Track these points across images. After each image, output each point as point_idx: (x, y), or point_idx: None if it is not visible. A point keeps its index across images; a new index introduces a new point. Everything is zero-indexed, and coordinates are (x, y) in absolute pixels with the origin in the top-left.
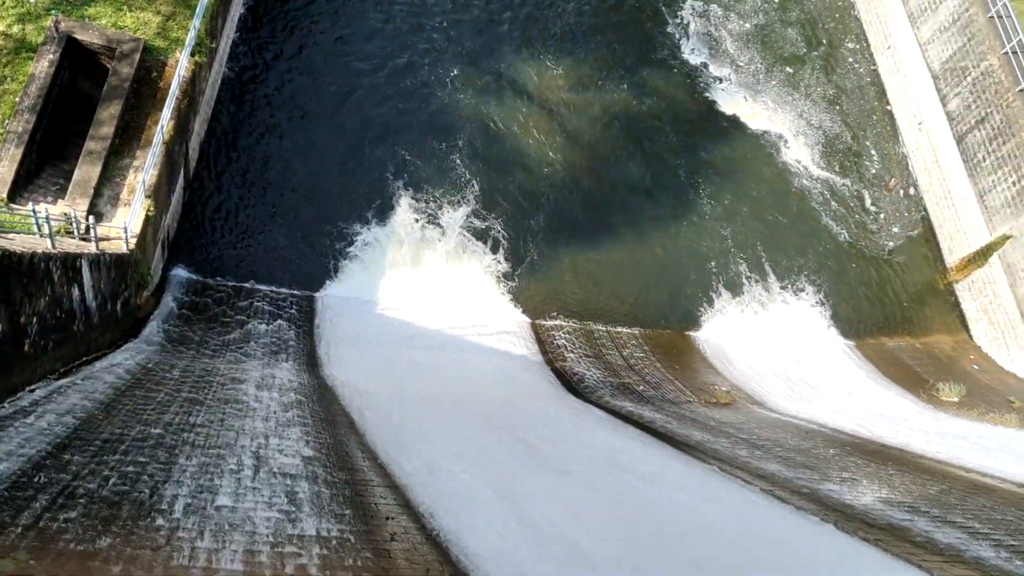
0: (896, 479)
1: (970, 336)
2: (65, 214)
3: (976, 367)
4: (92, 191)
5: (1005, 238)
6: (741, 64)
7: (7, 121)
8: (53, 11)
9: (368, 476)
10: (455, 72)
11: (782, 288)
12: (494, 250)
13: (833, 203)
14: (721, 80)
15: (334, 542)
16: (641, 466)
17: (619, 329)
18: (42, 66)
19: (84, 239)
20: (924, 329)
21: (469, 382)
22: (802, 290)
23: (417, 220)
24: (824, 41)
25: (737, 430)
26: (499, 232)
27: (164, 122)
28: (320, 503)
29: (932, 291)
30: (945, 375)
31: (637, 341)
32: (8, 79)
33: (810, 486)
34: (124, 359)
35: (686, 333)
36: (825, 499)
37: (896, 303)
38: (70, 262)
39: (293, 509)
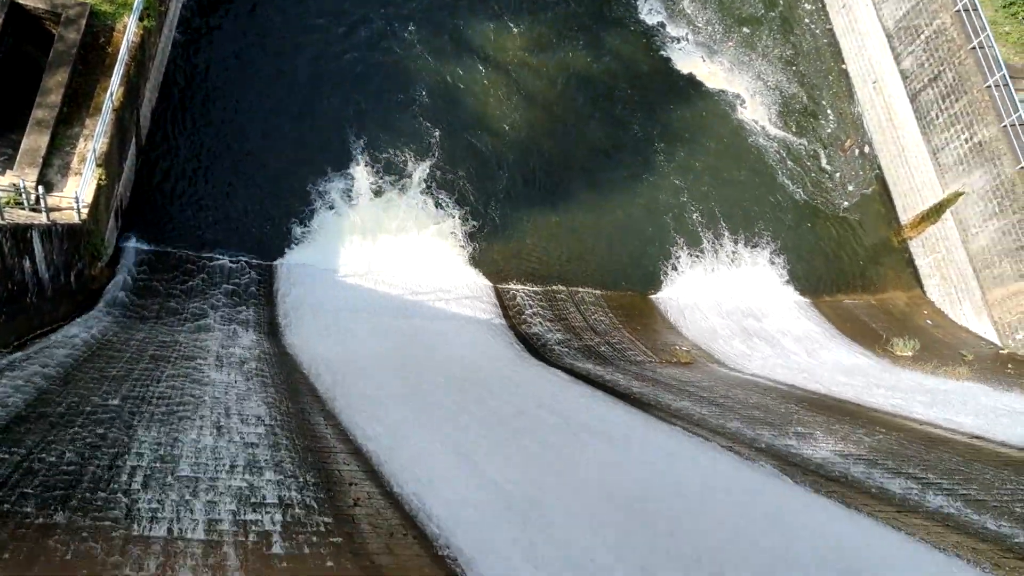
0: (852, 433)
1: (924, 292)
2: (14, 184)
3: (930, 322)
4: (41, 161)
5: (957, 195)
6: (699, 25)
7: None
8: None
9: (331, 443)
10: (411, 32)
11: (740, 248)
12: (454, 214)
13: (789, 162)
14: (679, 40)
15: (297, 509)
16: (602, 426)
17: (581, 291)
18: None
19: (34, 210)
20: (879, 286)
21: (431, 347)
22: (760, 249)
23: (375, 184)
24: (781, 2)
25: (698, 388)
26: (459, 195)
27: (113, 89)
28: (282, 470)
29: (887, 248)
30: (899, 330)
31: (599, 303)
32: None
33: (769, 442)
34: (80, 331)
35: (647, 294)
36: (784, 454)
37: (852, 260)
38: (20, 234)
39: (255, 477)
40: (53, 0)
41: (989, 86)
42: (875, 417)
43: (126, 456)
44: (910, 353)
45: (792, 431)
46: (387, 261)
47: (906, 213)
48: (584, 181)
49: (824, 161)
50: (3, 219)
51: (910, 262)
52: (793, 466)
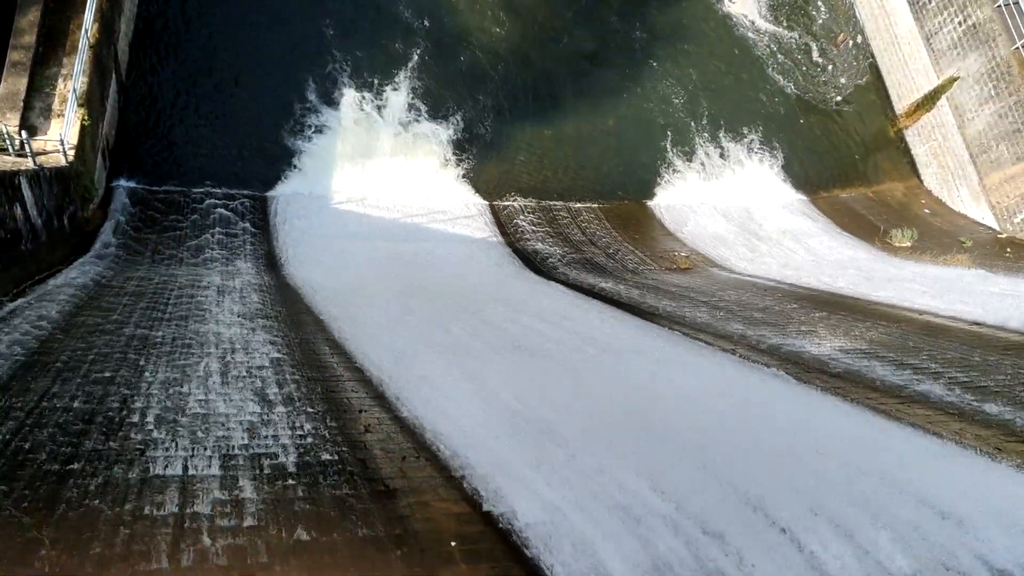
0: (853, 327)
1: (921, 181)
2: None
3: (927, 211)
4: (22, 104)
5: (952, 80)
6: None
7: None
8: None
9: (338, 371)
10: None
11: (735, 148)
12: (445, 133)
13: (781, 57)
14: None
15: (309, 439)
16: (605, 337)
17: (577, 204)
18: None
19: (20, 155)
20: (876, 178)
21: (430, 268)
22: (754, 149)
23: (363, 107)
24: None
25: (698, 293)
26: (448, 114)
27: (87, 25)
28: (292, 402)
29: (883, 139)
30: (898, 221)
31: (596, 215)
32: None
33: (770, 342)
34: (78, 275)
35: (643, 202)
36: (786, 353)
37: (848, 154)
38: (8, 180)
39: (265, 411)
40: None
41: None
42: (875, 310)
43: (136, 398)
44: (908, 244)
45: (793, 330)
46: (381, 185)
47: (901, 102)
48: (573, 90)
49: (816, 54)
50: None
51: (906, 152)
52: (795, 364)
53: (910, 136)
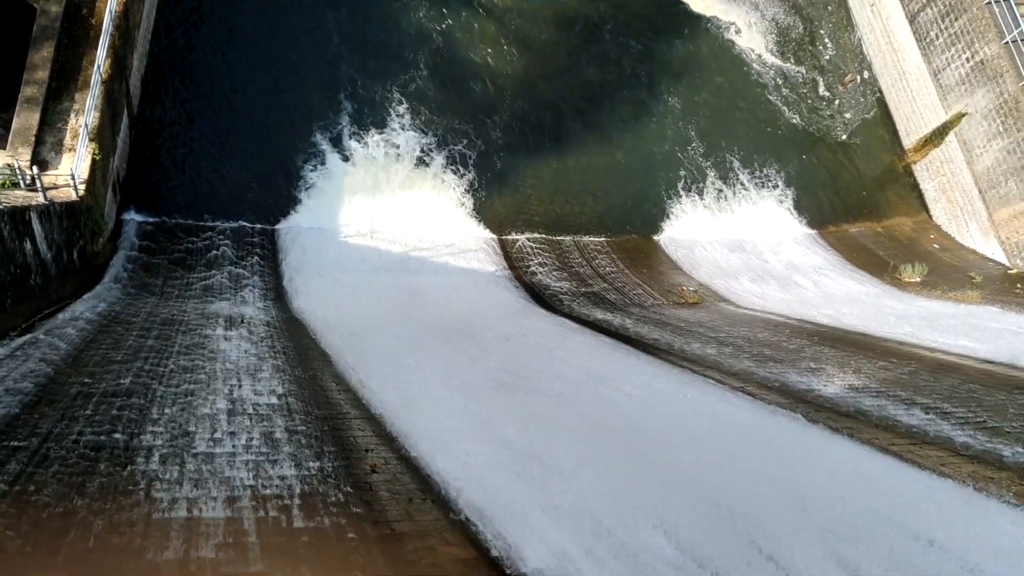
0: (863, 365)
1: (930, 216)
2: (8, 165)
3: (937, 246)
4: (34, 139)
5: (960, 116)
6: None
7: None
8: None
9: (344, 409)
10: None
11: (743, 182)
12: (453, 167)
13: (788, 92)
14: None
15: (315, 480)
16: (612, 373)
17: (585, 238)
18: None
19: (31, 189)
20: (885, 212)
21: (438, 303)
22: (763, 183)
23: (371, 141)
24: None
25: (707, 329)
26: (457, 148)
27: (100, 61)
28: (298, 441)
29: (891, 174)
30: (907, 256)
31: (604, 248)
32: None
33: (780, 379)
34: (86, 309)
35: (651, 236)
36: (795, 391)
37: (856, 188)
38: (19, 215)
39: (271, 450)
40: None
41: (989, 3)
42: (885, 347)
43: (141, 436)
44: (918, 279)
45: (803, 367)
46: (389, 218)
47: (909, 137)
48: (581, 124)
49: (823, 89)
50: (0, 202)
51: (915, 187)
52: (805, 403)
53: (918, 171)
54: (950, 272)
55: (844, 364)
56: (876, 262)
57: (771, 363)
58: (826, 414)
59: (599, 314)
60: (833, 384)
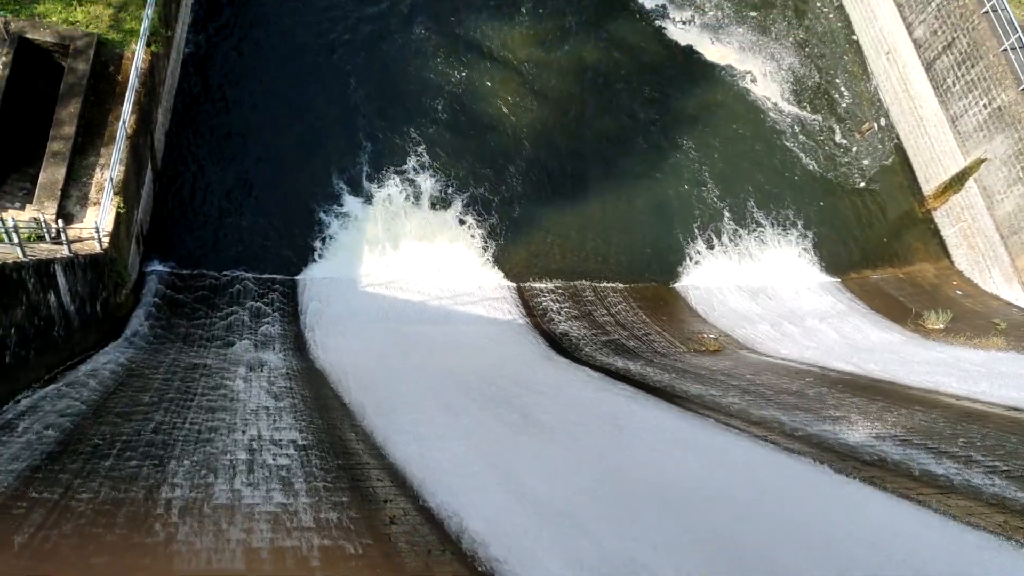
0: (888, 413)
1: (952, 262)
2: (34, 219)
3: (960, 292)
4: (60, 193)
5: (980, 162)
6: (706, 9)
7: None
8: (1, 12)
9: (363, 459)
10: (416, 37)
11: (762, 229)
12: (472, 215)
13: (806, 139)
14: (686, 24)
15: (334, 531)
16: (634, 423)
17: (604, 285)
18: None
19: (56, 242)
20: (906, 259)
21: (458, 352)
22: (782, 230)
23: (391, 191)
24: None
25: (728, 377)
26: (475, 197)
27: (126, 117)
28: (317, 492)
29: (911, 220)
30: (930, 303)
31: (623, 296)
32: None
33: (804, 428)
34: (108, 360)
35: (670, 284)
36: (819, 440)
37: (876, 235)
38: (43, 268)
39: (290, 501)
40: (60, 32)
41: (1005, 49)
42: (910, 395)
43: (161, 488)
44: (942, 326)
45: (827, 415)
46: (408, 268)
47: (928, 183)
48: (599, 173)
49: (840, 136)
50: (25, 256)
51: (936, 233)
52: (830, 452)
53: (939, 217)
54: (974, 318)
55: (869, 412)
56: (899, 309)
57: (794, 411)
58: (851, 463)
59: (619, 362)
60: (858, 432)
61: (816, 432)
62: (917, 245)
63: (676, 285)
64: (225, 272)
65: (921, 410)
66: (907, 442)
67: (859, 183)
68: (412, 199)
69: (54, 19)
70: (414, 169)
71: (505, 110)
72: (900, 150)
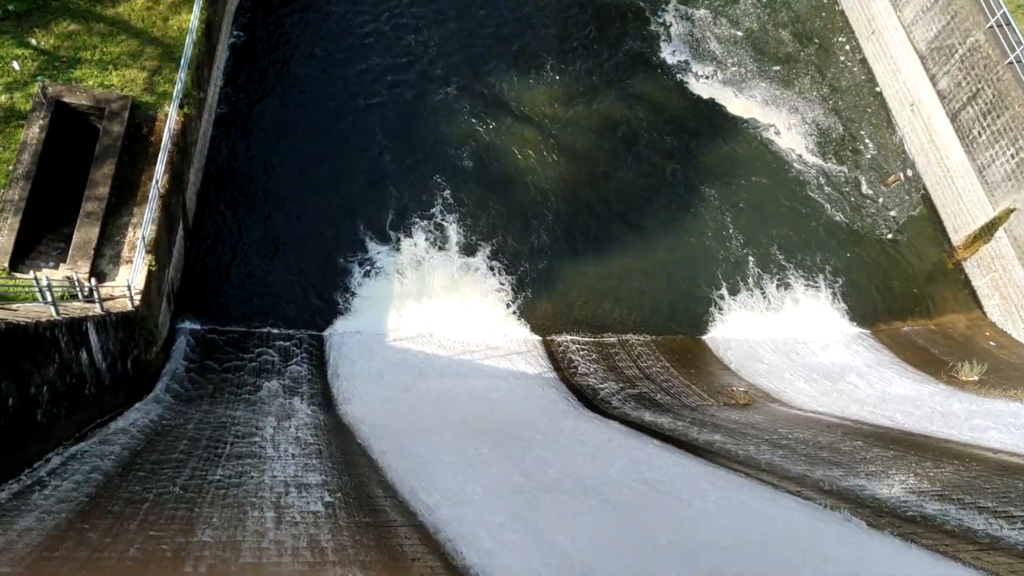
0: (923, 467)
1: (984, 313)
2: (68, 278)
3: (993, 344)
4: (93, 252)
5: (1009, 211)
6: (728, 64)
7: (2, 191)
8: (40, 77)
9: (391, 516)
10: (443, 95)
11: (790, 281)
12: (498, 270)
13: (831, 190)
14: (708, 79)
15: None
16: (663, 478)
17: (631, 338)
18: (33, 132)
19: (88, 301)
20: (937, 310)
21: (485, 406)
22: (810, 281)
23: (417, 246)
24: (811, 38)
25: (759, 431)
26: (501, 250)
27: (158, 177)
28: (345, 550)
29: (941, 271)
30: (963, 355)
31: (650, 349)
32: (1, 148)
33: (837, 483)
34: (138, 417)
35: (698, 336)
36: (854, 495)
37: (906, 286)
38: (76, 327)
39: (318, 560)
40: (96, 96)
41: None
42: (946, 448)
43: (188, 547)
44: (976, 378)
45: (861, 470)
46: (434, 322)
47: (957, 234)
48: (625, 226)
49: (866, 187)
50: (59, 314)
51: (966, 283)
52: (864, 507)
53: (969, 267)
54: (1008, 370)
55: (903, 466)
56: (931, 361)
57: (827, 466)
58: (887, 518)
59: (648, 416)
60: (893, 487)
61: (850, 487)
62: (948, 296)
63: (704, 337)
64: (254, 328)
65: (958, 464)
66: (944, 497)
67: (886, 234)
68: (439, 252)
69: (90, 83)
70: (441, 223)
71: (530, 165)
72: (927, 200)
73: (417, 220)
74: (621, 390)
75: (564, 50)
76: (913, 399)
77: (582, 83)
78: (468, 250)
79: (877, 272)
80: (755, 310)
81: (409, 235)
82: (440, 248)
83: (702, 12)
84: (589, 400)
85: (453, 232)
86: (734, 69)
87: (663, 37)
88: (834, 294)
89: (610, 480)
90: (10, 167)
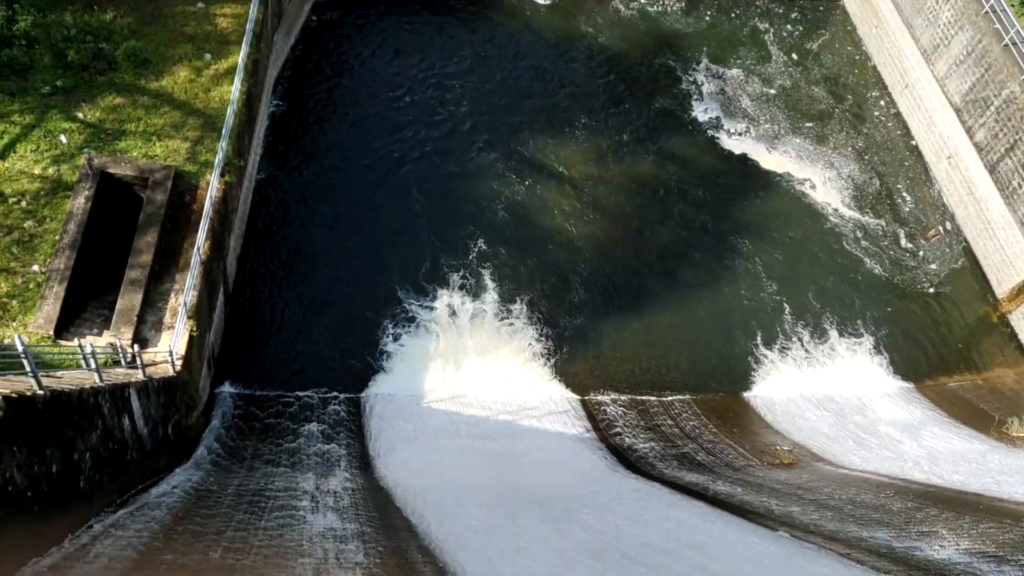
0: (977, 527)
1: None
2: (111, 344)
3: None
4: (136, 319)
5: None
6: (760, 121)
7: (49, 260)
8: (86, 149)
9: None
10: (477, 155)
11: (831, 336)
12: (534, 328)
13: (869, 244)
14: (741, 135)
15: None
16: (707, 540)
17: (670, 397)
18: (79, 203)
19: (131, 367)
20: (983, 364)
21: (524, 469)
22: (852, 336)
23: (453, 305)
24: (844, 94)
25: (805, 491)
26: (537, 308)
27: (200, 244)
28: None
29: (985, 324)
30: (1012, 409)
31: (690, 408)
32: (48, 219)
33: (888, 544)
34: (179, 483)
35: (739, 394)
36: (906, 557)
37: (950, 340)
38: (119, 393)
39: None
40: (140, 166)
41: None
42: (1000, 507)
43: None
44: None
45: (913, 531)
46: (471, 383)
47: (1001, 286)
48: (661, 284)
49: (905, 241)
50: (102, 380)
51: (1012, 336)
52: (917, 570)
53: (1015, 320)
54: None
55: (957, 527)
56: (980, 416)
57: (877, 527)
58: None
59: (690, 477)
60: (947, 549)
61: (902, 549)
62: (994, 349)
63: (745, 395)
64: (292, 391)
65: (1012, 523)
66: (1000, 558)
67: (928, 287)
68: (474, 311)
69: (135, 154)
70: (476, 281)
71: (564, 222)
72: (969, 253)
73: (452, 279)
74: (662, 450)
75: (595, 109)
76: (963, 456)
77: (614, 141)
78: (504, 308)
79: (920, 326)
80: (796, 366)
81: (445, 294)
82: (476, 306)
83: (734, 71)
84: (630, 461)
85: (489, 290)
86: (767, 126)
87: (694, 96)
88: (876, 349)
89: (652, 543)
90: (56, 237)
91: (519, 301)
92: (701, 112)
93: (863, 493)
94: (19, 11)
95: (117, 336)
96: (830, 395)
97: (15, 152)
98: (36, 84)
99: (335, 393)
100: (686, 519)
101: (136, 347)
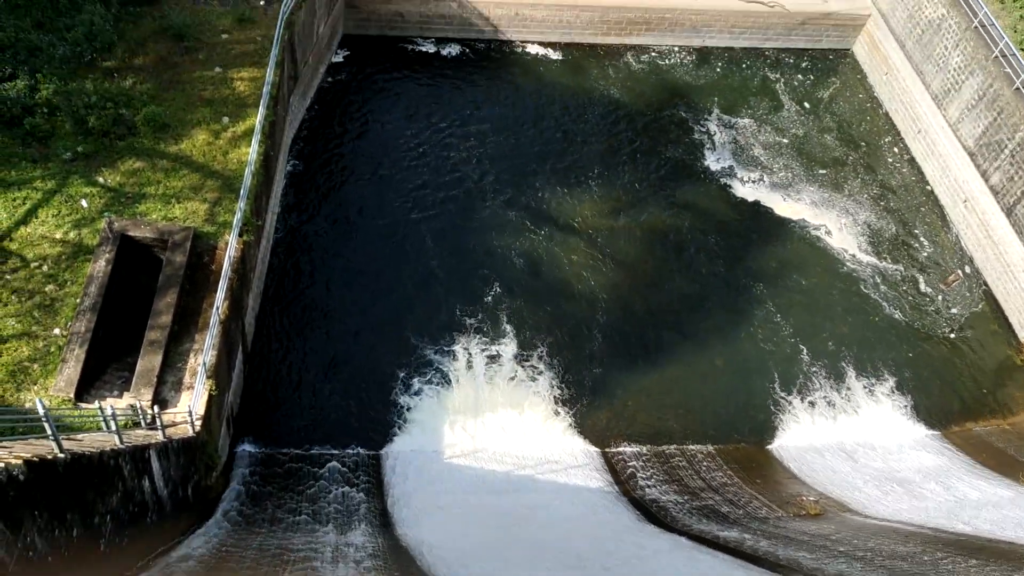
0: None
1: None
2: (131, 406)
3: None
4: (155, 380)
5: None
6: (774, 169)
7: (70, 323)
8: (106, 212)
9: None
10: (492, 209)
11: (853, 384)
12: (552, 380)
13: (887, 289)
14: (755, 183)
15: None
16: None
17: (692, 448)
18: (99, 266)
19: (151, 428)
20: (1010, 409)
21: (546, 524)
22: (874, 383)
23: (471, 359)
24: (857, 140)
25: (834, 543)
26: (554, 361)
27: (219, 303)
28: None
29: (1010, 368)
30: None
31: (713, 459)
32: (69, 282)
33: None
34: (198, 545)
35: (762, 444)
36: None
37: (975, 385)
38: (139, 454)
39: None
40: (159, 228)
41: None
42: None
43: None
44: None
45: None
46: (491, 438)
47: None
48: (678, 334)
49: (924, 285)
50: (122, 442)
51: None
52: None
53: None
54: None
55: None
56: (1009, 462)
57: None
58: None
59: (715, 529)
60: None
61: None
62: (1019, 393)
63: (768, 446)
64: (311, 449)
65: None
66: None
67: (949, 332)
68: (492, 365)
69: (154, 216)
70: (493, 337)
71: (580, 273)
72: (990, 296)
73: (470, 333)
74: (686, 503)
75: (608, 161)
76: (993, 503)
77: (628, 192)
78: (521, 361)
79: (943, 371)
80: (818, 414)
81: (462, 349)
82: (494, 362)
83: (745, 121)
84: (652, 513)
85: (506, 345)
86: (781, 174)
87: (707, 146)
88: (900, 395)
89: None
90: (77, 300)
91: (537, 352)
92: (714, 161)
93: (893, 543)
94: (41, 80)
95: (137, 397)
96: (854, 443)
97: (37, 217)
98: (58, 150)
99: (354, 450)
100: (712, 573)
101: (156, 408)
